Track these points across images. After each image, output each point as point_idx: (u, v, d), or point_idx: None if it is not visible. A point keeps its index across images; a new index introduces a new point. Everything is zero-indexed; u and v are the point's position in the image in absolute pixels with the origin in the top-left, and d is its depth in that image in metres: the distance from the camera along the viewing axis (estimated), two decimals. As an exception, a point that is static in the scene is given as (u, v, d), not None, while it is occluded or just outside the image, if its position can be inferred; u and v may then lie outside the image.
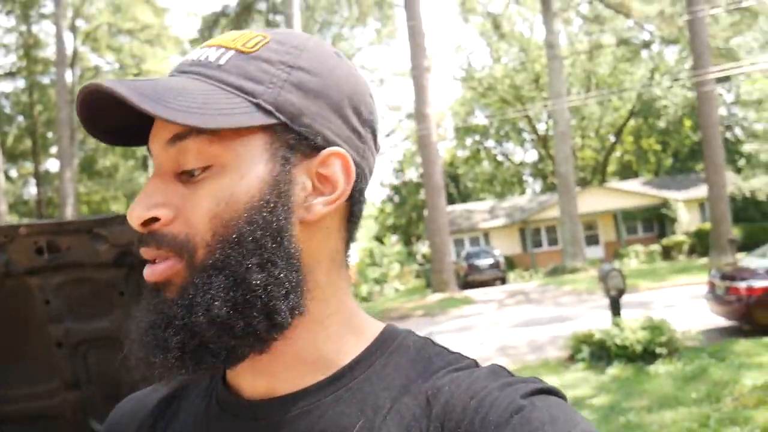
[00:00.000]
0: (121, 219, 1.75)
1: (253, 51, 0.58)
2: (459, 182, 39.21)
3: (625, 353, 7.56)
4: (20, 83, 37.32)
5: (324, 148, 0.58)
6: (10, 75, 36.57)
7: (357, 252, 33.12)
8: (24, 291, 1.79)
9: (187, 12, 56.26)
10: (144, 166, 42.00)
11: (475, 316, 14.85)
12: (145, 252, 0.56)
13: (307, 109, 0.57)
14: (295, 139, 0.57)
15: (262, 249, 0.54)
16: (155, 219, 0.56)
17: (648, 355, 7.50)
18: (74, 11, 32.87)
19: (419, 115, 21.11)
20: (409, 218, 38.82)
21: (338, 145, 0.59)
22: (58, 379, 1.87)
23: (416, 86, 20.96)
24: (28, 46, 35.25)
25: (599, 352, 7.82)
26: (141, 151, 41.31)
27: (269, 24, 32.67)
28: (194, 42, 34.35)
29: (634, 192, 27.73)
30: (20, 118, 37.30)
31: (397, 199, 40.30)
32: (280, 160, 0.56)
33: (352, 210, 0.62)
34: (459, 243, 29.02)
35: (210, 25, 31.25)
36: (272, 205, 0.55)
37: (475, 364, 0.60)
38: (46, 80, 35.64)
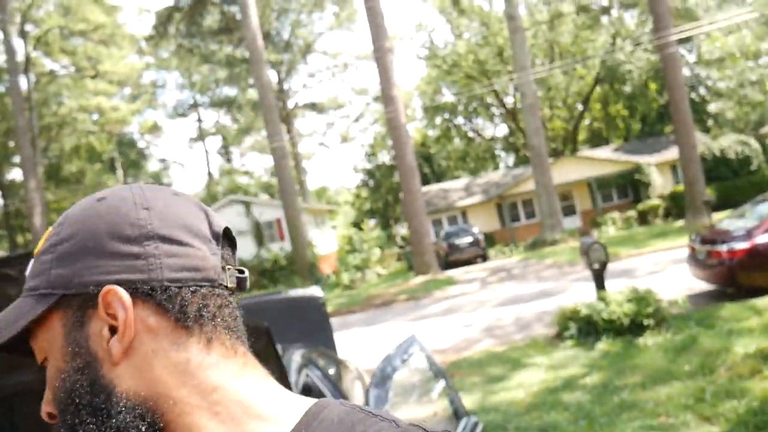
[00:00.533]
0: (31, 257, 1.45)
1: (38, 252, 0.66)
2: (432, 162, 39.01)
3: (612, 327, 7.43)
4: (-27, 94, 36.03)
5: (99, 294, 0.61)
6: (-38, 86, 35.36)
7: (336, 239, 32.86)
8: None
9: (139, 9, 54.86)
10: (112, 168, 41.10)
11: (460, 296, 14.71)
12: None
13: (73, 271, 0.62)
14: (79, 300, 0.62)
15: (95, 410, 0.60)
16: (51, 415, 0.65)
17: (636, 327, 7.37)
18: (22, 16, 31.74)
19: (386, 97, 20.78)
20: (385, 201, 38.61)
21: (110, 283, 0.61)
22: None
23: (380, 68, 20.60)
24: (-22, 55, 34.06)
25: (587, 328, 7.69)
26: (107, 153, 40.39)
27: (224, 15, 31.96)
28: (149, 39, 33.52)
29: (606, 159, 27.77)
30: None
31: (371, 183, 40.04)
32: (74, 326, 0.62)
33: (181, 314, 0.62)
34: (437, 223, 28.88)
35: (164, 21, 30.46)
36: (83, 366, 0.61)
37: (396, 425, 0.59)
38: (1, 89, 34.46)
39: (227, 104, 42.68)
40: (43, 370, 0.64)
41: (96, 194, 0.68)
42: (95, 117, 36.86)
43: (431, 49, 36.78)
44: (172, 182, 51.94)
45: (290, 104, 40.81)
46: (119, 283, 0.61)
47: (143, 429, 0.59)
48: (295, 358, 3.12)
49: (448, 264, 22.77)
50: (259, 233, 27.05)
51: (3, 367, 1.58)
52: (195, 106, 45.44)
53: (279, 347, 3.14)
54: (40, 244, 0.66)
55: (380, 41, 20.51)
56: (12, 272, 1.50)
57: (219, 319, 0.64)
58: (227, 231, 0.69)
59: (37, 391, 1.59)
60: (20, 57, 30.30)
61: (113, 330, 0.61)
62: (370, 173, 40.16)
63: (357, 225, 35.03)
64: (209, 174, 46.39)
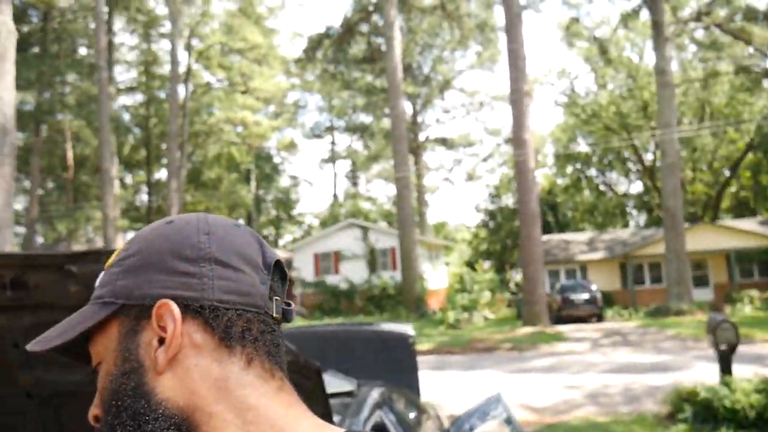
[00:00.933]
0: (94, 256, 1.45)
1: (108, 266, 0.71)
2: (557, 211, 37.75)
3: (735, 417, 6.66)
4: (139, 97, 39.69)
5: (153, 306, 0.66)
6: (131, 90, 39.04)
7: (448, 276, 32.51)
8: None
9: (293, 33, 58.08)
10: (247, 179, 43.49)
11: (567, 354, 13.95)
12: None
13: (136, 283, 0.67)
14: (137, 311, 0.67)
15: (135, 415, 0.64)
16: (95, 418, 0.69)
17: (763, 423, 6.55)
18: (190, 31, 34.65)
19: (517, 140, 20.44)
20: (503, 245, 37.78)
21: (165, 297, 0.66)
22: (28, 434, 1.59)
23: (515, 111, 20.33)
24: (148, 63, 37.51)
25: (704, 414, 6.94)
26: (245, 164, 42.84)
27: (370, 45, 33.05)
28: (298, 61, 35.35)
29: (750, 231, 25.52)
30: (137, 130, 39.65)
31: (491, 224, 39.40)
32: (128, 334, 0.67)
33: (225, 333, 0.67)
34: (554, 274, 27.79)
35: (314, 46, 32.01)
36: (129, 373, 0.65)
37: None
38: (162, 95, 37.68)
39: (361, 130, 43.93)
40: (94, 374, 0.69)
41: (166, 218, 0.74)
42: (239, 129, 39.26)
43: (571, 97, 35.88)
44: (299, 199, 54.11)
45: (421, 137, 41.31)
46: (173, 298, 0.66)
47: None
48: (372, 394, 2.99)
49: (559, 318, 21.73)
50: (372, 259, 27.36)
51: (56, 367, 1.58)
52: (331, 129, 47.22)
53: (354, 383, 3.03)
54: (112, 258, 0.71)
55: (518, 84, 20.27)
56: (74, 269, 1.49)
57: (260, 343, 0.68)
58: (279, 263, 0.73)
59: (85, 393, 1.57)
60: (182, 68, 33.05)
61: (162, 341, 0.65)
62: (491, 214, 39.57)
63: (471, 265, 34.44)
64: (334, 195, 47.85)
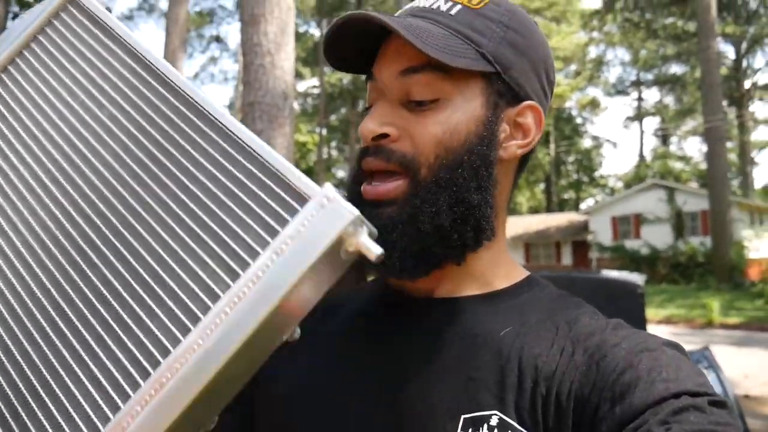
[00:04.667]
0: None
1: (478, 8, 0.67)
2: None
3: None
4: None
5: (524, 100, 0.68)
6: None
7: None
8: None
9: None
10: (545, 141, 42.95)
11: None
12: (374, 163, 0.65)
13: (516, 65, 0.67)
14: (504, 88, 0.66)
15: (478, 175, 0.64)
16: (384, 135, 0.65)
17: None
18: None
19: None
20: None
21: (534, 99, 0.68)
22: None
23: None
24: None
25: None
26: (544, 127, 42.20)
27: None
28: (597, 14, 33.31)
29: None
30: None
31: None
32: (492, 104, 0.66)
33: (524, 160, 0.71)
34: None
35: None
36: (486, 141, 0.65)
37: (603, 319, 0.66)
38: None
39: (672, 82, 39.79)
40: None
41: (526, 12, 0.71)
42: (537, 91, 38.79)
43: None
44: (602, 160, 51.51)
45: (747, 84, 35.76)
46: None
47: (491, 219, 0.66)
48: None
49: None
50: (679, 223, 24.86)
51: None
52: (637, 83, 43.66)
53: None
54: (476, 0, 0.68)
55: None
56: None
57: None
58: None
59: None
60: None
61: (514, 134, 0.68)
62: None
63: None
64: (641, 155, 44.41)
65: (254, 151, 0.49)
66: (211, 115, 0.53)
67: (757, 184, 38.20)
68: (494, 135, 0.65)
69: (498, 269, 0.70)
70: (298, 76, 34.61)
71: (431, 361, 0.64)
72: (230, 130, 0.52)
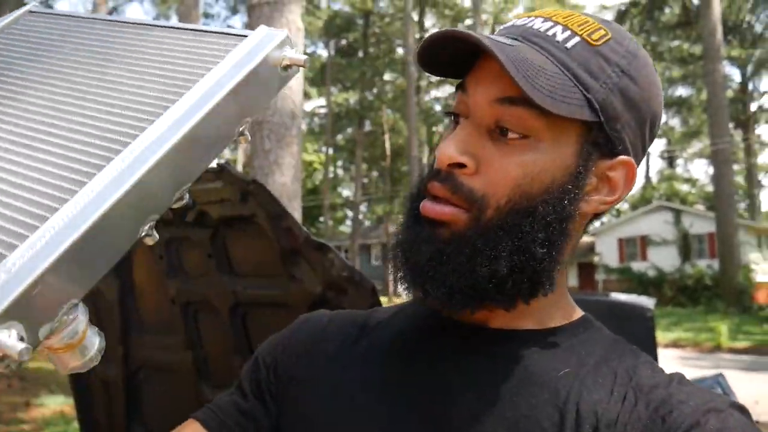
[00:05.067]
0: (203, 175, 1.62)
1: (597, 45, 0.61)
2: None
3: None
4: (449, 88, 42.02)
5: (620, 154, 0.63)
6: (441, 82, 41.56)
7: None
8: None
9: (599, 6, 54.93)
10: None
11: None
12: (440, 190, 0.61)
13: (622, 116, 0.61)
14: (602, 139, 0.61)
15: (549, 228, 0.60)
16: (461, 165, 0.60)
17: None
18: (494, 18, 35.37)
19: None
20: None
21: (630, 154, 0.63)
22: (177, 336, 1.86)
23: None
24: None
25: None
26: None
27: (684, 9, 29.71)
28: (603, 36, 33.37)
29: None
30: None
31: None
32: (585, 154, 0.61)
33: (600, 212, 0.67)
34: None
35: (622, 16, 30.07)
36: (570, 195, 0.60)
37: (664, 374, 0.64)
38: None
39: (678, 104, 39.88)
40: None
41: (648, 56, 0.66)
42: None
43: None
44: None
45: (753, 107, 35.80)
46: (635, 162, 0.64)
47: (555, 274, 0.62)
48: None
49: None
50: (685, 245, 24.75)
51: (188, 274, 1.80)
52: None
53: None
54: (597, 36, 0.62)
55: None
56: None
57: None
58: None
59: (265, 305, 1.75)
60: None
61: (600, 189, 0.64)
62: None
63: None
64: (647, 177, 44.35)
65: None
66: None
67: (764, 207, 38.05)
68: (579, 188, 0.61)
69: (555, 310, 0.67)
70: (306, 95, 34.90)
71: (483, 391, 0.62)
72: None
